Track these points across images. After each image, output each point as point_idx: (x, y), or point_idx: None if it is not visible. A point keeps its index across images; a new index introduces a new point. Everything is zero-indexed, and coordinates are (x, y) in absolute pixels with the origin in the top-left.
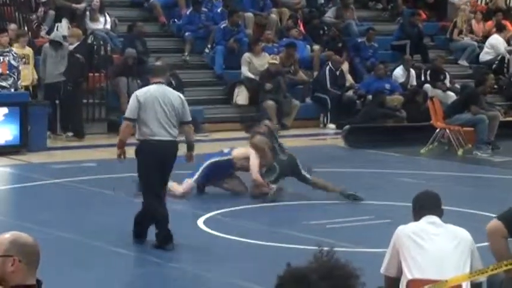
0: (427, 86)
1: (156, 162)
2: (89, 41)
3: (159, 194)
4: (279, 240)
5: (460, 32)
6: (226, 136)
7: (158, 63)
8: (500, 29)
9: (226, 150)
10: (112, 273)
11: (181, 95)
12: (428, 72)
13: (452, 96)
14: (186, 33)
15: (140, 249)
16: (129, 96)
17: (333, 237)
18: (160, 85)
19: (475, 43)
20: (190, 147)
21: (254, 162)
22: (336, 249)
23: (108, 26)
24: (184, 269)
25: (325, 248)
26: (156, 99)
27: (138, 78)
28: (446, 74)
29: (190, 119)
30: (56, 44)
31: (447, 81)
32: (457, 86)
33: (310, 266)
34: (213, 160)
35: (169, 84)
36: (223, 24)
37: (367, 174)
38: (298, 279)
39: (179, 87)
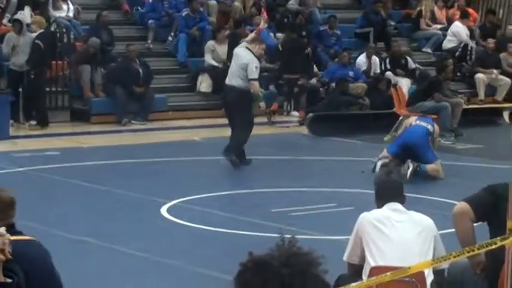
0: (389, 73)
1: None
2: (52, 28)
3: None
4: (243, 228)
5: (426, 22)
6: (190, 124)
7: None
8: (463, 16)
9: (430, 127)
10: (74, 263)
11: (247, 57)
12: (388, 59)
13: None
14: (149, 21)
15: (104, 238)
16: (92, 84)
17: (296, 225)
18: (240, 47)
19: (440, 32)
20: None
21: None
22: (298, 236)
23: (71, 14)
24: (147, 258)
25: (287, 236)
26: (233, 56)
27: (102, 67)
28: (408, 58)
29: (252, 76)
30: (18, 27)
31: (412, 65)
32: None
33: (272, 253)
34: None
35: (137, 73)
36: (185, 12)
37: (330, 161)
38: (259, 266)
39: (148, 75)
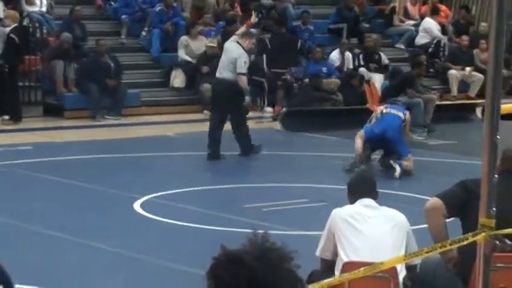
0: (362, 69)
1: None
2: (25, 23)
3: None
4: (215, 223)
5: (399, 18)
6: (163, 119)
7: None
8: (433, 12)
9: (401, 114)
10: (46, 257)
11: (237, 52)
12: (361, 55)
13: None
14: (123, 16)
15: (77, 233)
16: (65, 79)
17: (269, 220)
18: (231, 41)
19: (413, 28)
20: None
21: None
22: (271, 232)
23: (44, 9)
24: (121, 253)
25: (260, 231)
26: (224, 50)
27: (75, 62)
28: (381, 54)
29: (240, 70)
30: None
31: (386, 60)
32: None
33: (245, 248)
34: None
35: (108, 67)
36: (159, 7)
37: (304, 157)
38: (232, 260)
39: (118, 70)
